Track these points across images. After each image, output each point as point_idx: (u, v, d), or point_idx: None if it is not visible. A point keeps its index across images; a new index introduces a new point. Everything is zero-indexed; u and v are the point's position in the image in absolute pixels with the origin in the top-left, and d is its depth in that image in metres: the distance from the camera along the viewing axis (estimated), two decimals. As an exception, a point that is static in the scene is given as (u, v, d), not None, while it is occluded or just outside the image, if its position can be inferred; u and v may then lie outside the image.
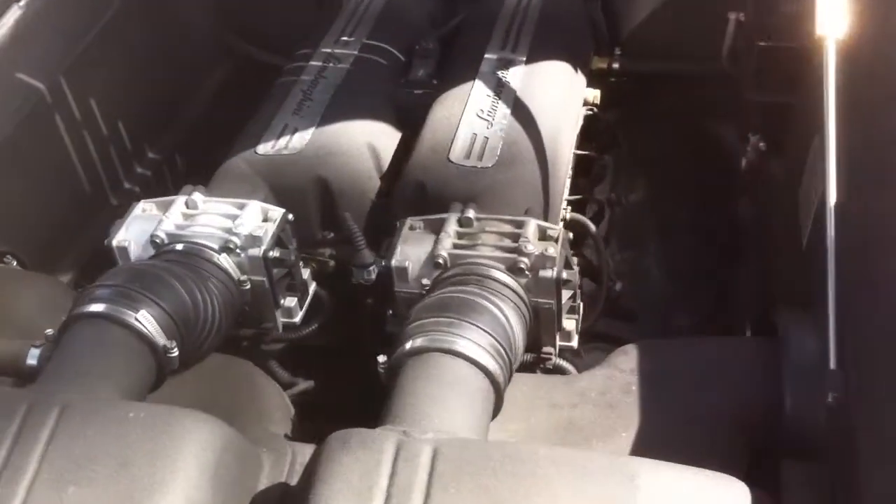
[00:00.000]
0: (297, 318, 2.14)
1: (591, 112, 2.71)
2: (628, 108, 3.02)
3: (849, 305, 1.67)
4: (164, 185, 2.86)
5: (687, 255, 2.65)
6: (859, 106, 1.80)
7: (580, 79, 2.69)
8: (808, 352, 1.74)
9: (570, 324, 2.04)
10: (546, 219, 2.22)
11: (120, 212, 2.62)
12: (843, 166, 1.72)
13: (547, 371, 2.03)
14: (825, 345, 1.72)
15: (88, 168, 2.56)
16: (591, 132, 2.70)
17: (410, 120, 2.51)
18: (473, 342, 1.69)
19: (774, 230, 2.46)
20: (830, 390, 1.59)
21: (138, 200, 2.67)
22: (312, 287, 2.20)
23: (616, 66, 2.94)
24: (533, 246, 1.94)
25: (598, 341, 2.28)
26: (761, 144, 2.58)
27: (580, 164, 2.56)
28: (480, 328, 1.71)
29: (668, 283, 2.51)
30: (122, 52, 2.68)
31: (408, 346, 1.69)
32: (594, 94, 2.70)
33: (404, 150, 2.43)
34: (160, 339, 1.77)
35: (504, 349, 1.73)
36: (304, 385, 2.13)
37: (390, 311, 2.07)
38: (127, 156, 2.72)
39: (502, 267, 1.93)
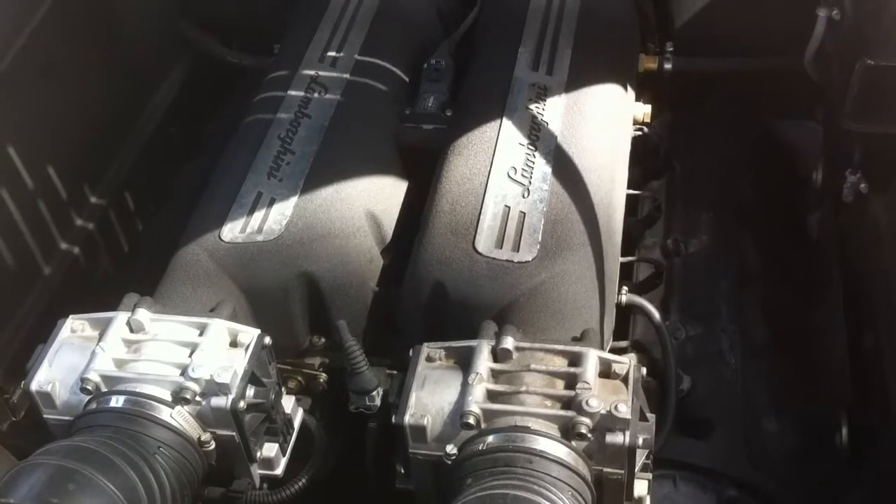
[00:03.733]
0: (280, 469, 1.64)
1: (639, 132, 2.17)
2: (680, 115, 2.48)
3: None
4: (112, 236, 2.30)
5: (764, 317, 2.14)
6: None
7: (629, 97, 2.14)
8: None
9: (641, 487, 1.53)
10: (601, 317, 1.71)
11: (56, 281, 2.13)
12: None
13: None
14: None
15: (11, 236, 2.00)
16: (638, 156, 2.16)
17: (417, 164, 1.97)
18: None
19: (884, 299, 1.95)
20: None
21: (79, 263, 2.21)
22: (298, 418, 1.69)
23: (668, 66, 2.39)
24: (597, 400, 1.43)
25: (666, 468, 1.78)
26: (862, 186, 2.05)
27: (628, 206, 2.02)
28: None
29: (746, 371, 1.99)
30: (52, 69, 2.10)
31: None
32: (644, 112, 2.18)
33: (413, 206, 1.91)
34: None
35: None
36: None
37: (401, 468, 1.56)
38: (62, 207, 2.15)
39: (555, 432, 1.43)
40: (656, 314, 1.87)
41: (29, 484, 1.32)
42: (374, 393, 1.67)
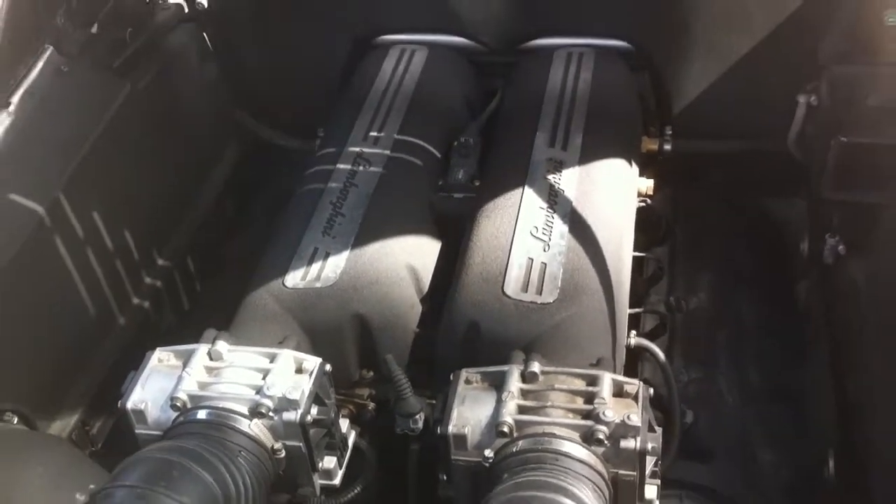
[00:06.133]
0: (337, 480, 1.89)
1: (643, 203, 2.46)
2: (678, 187, 2.78)
3: None
4: (175, 295, 2.60)
5: (758, 366, 2.40)
6: None
7: (634, 171, 2.44)
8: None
9: (651, 491, 1.78)
10: (613, 352, 1.98)
11: (128, 332, 2.41)
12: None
13: (626, 548, 1.78)
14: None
15: (93, 289, 2.29)
16: (643, 224, 2.45)
17: (449, 228, 2.26)
18: (563, 569, 1.43)
19: (862, 349, 2.21)
20: None
21: (148, 316, 2.49)
22: (352, 438, 1.94)
23: (667, 147, 2.70)
24: (612, 412, 1.69)
25: (673, 488, 2.02)
26: (840, 248, 2.33)
27: (634, 265, 2.30)
28: (569, 547, 1.46)
29: (744, 409, 2.25)
30: (126, 151, 2.41)
31: (484, 568, 1.43)
32: (647, 185, 2.46)
33: (445, 264, 2.19)
34: (191, 550, 1.52)
35: (594, 562, 1.48)
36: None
37: (444, 476, 1.81)
38: (134, 267, 2.44)
39: (577, 437, 1.68)
40: (661, 354, 2.13)
41: (139, 471, 1.57)
42: (418, 416, 1.92)
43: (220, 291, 2.64)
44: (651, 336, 2.31)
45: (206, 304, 2.65)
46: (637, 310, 2.29)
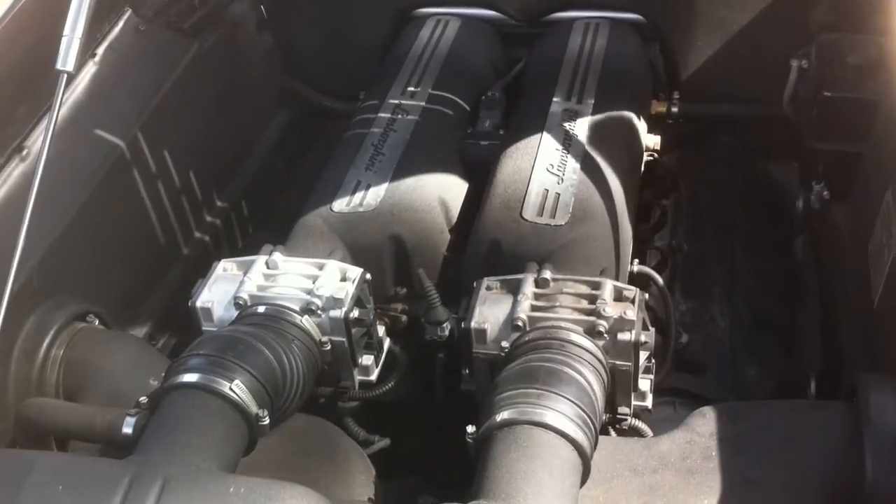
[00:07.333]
0: (374, 376, 2.18)
1: (651, 158, 2.74)
2: (686, 150, 3.06)
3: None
4: (231, 234, 2.92)
5: (750, 303, 2.67)
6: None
7: (642, 126, 2.72)
8: (890, 419, 1.76)
9: (645, 384, 2.06)
10: (616, 272, 2.26)
11: (191, 261, 2.72)
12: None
13: (622, 432, 2.06)
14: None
15: (163, 220, 2.61)
16: (651, 177, 2.73)
17: (477, 171, 2.55)
18: (561, 414, 1.72)
19: (841, 282, 2.48)
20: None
21: (208, 249, 2.81)
22: (387, 344, 2.24)
23: (675, 109, 2.98)
24: (611, 308, 1.97)
25: (667, 395, 2.30)
26: (825, 193, 2.60)
27: (641, 211, 2.59)
28: (567, 399, 1.75)
29: (733, 334, 2.53)
30: (192, 104, 2.73)
31: (497, 418, 1.72)
32: (654, 141, 2.74)
33: (472, 202, 2.48)
34: (253, 407, 1.81)
35: (590, 418, 1.76)
36: (381, 443, 2.17)
37: (466, 370, 2.10)
38: (198, 205, 2.77)
39: (581, 330, 1.96)
40: (660, 279, 2.41)
41: (210, 345, 1.87)
42: (445, 325, 2.21)
43: (269, 239, 2.95)
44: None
45: (257, 246, 2.95)
46: (640, 246, 2.57)
